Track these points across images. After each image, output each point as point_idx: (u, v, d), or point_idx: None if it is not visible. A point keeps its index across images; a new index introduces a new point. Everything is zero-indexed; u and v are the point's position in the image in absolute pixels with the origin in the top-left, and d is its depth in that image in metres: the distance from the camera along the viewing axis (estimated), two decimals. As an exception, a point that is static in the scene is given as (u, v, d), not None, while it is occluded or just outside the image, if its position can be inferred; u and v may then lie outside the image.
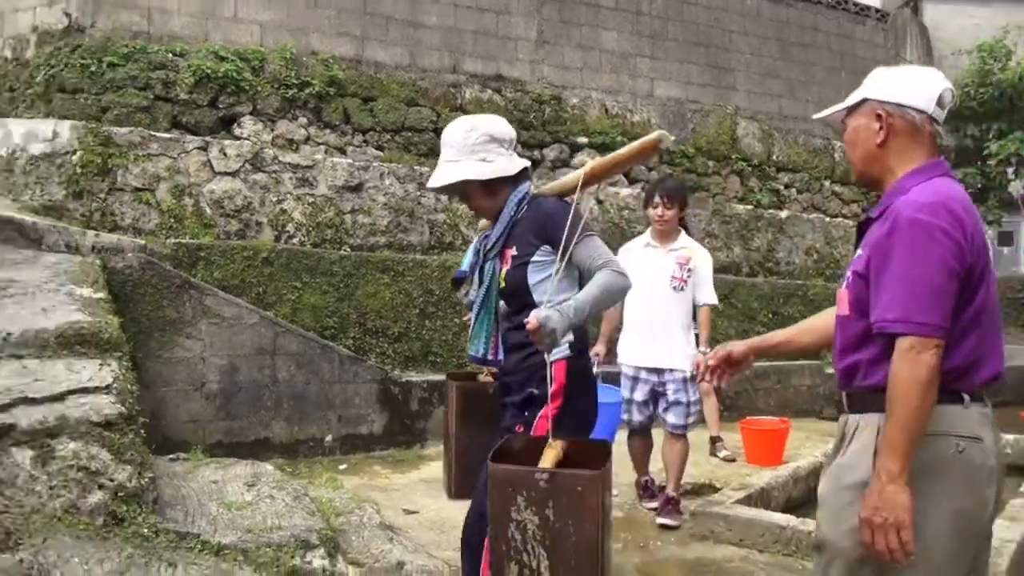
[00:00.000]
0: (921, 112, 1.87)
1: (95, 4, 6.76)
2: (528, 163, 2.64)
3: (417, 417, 6.29)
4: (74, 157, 5.93)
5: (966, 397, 1.78)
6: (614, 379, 4.84)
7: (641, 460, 4.75)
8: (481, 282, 2.62)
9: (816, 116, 2.20)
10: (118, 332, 3.96)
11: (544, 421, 2.46)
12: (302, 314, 6.30)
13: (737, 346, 2.23)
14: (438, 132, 7.89)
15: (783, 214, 9.51)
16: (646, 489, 4.79)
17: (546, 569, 2.10)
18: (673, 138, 2.47)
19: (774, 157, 10.14)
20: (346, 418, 6.05)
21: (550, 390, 2.41)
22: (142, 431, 3.43)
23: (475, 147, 2.51)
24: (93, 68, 6.56)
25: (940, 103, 1.88)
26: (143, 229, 6.12)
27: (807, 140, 10.52)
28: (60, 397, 3.23)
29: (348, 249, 6.78)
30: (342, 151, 7.37)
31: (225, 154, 6.52)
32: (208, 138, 6.60)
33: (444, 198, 7.29)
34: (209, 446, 5.42)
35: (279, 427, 5.81)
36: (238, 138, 6.89)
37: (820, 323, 2.21)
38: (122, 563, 2.79)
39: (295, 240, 6.66)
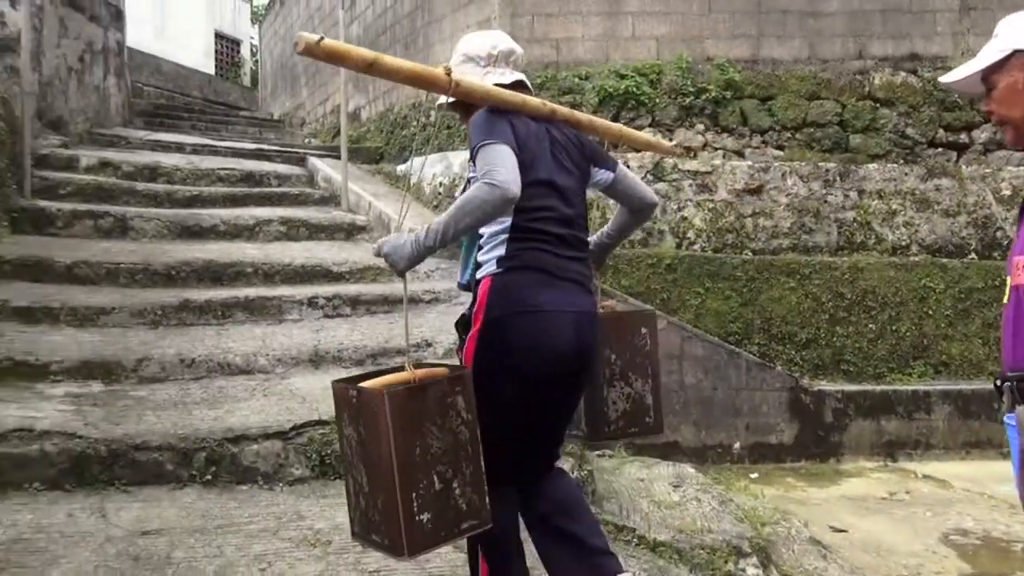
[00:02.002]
0: None
1: (513, 43, 7.54)
2: (519, 78, 2.31)
3: (832, 429, 5.89)
4: (501, 180, 6.65)
5: None
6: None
7: None
8: None
9: (945, 79, 1.88)
10: (550, 335, 4.33)
11: (470, 346, 2.15)
12: (705, 319, 6.30)
13: None
14: (843, 125, 7.37)
15: None
16: None
17: (366, 484, 2.06)
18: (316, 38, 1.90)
19: None
20: (754, 426, 5.89)
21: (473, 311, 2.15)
22: (575, 427, 3.69)
23: (455, 70, 2.26)
24: (512, 100, 7.32)
25: None
26: (558, 242, 6.63)
27: None
28: (510, 392, 3.61)
29: (750, 253, 6.62)
30: (740, 154, 7.23)
31: (628, 167, 6.78)
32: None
33: (854, 194, 6.77)
34: (623, 445, 5.66)
35: (687, 431, 5.86)
36: (638, 151, 7.14)
37: None
38: (570, 547, 2.99)
39: (696, 246, 6.69)
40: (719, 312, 6.31)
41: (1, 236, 5.09)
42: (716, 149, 7.29)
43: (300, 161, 8.39)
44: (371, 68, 2.15)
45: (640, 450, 5.47)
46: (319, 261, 5.36)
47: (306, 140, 11.55)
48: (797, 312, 6.32)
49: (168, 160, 7.37)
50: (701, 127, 7.27)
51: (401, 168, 7.79)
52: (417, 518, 1.96)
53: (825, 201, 6.78)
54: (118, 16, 9.52)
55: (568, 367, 2.16)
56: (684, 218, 6.74)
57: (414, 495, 1.96)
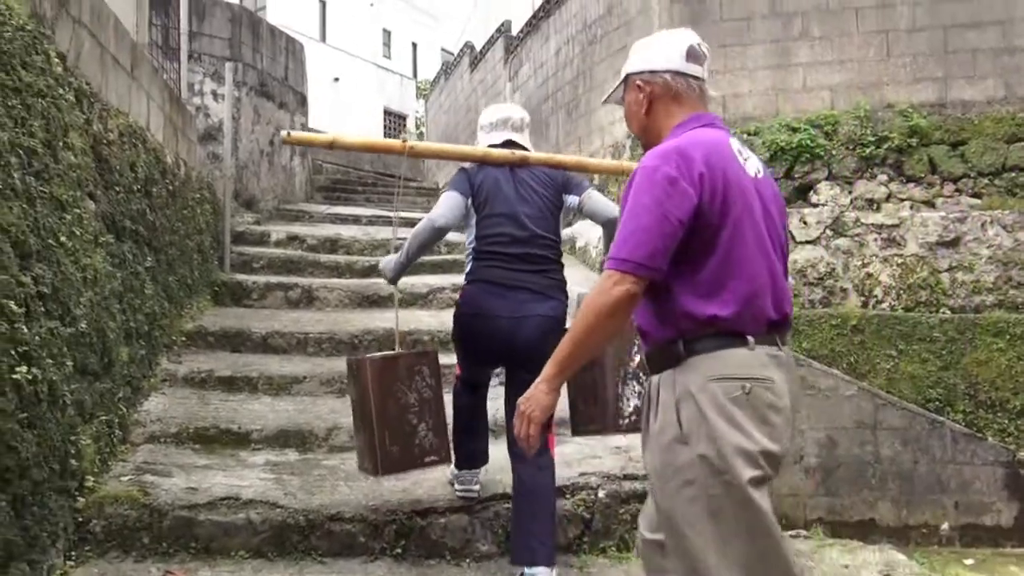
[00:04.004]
0: (671, 72, 1.91)
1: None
2: (507, 137, 3.03)
3: (1060, 511, 5.19)
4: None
5: (751, 340, 1.77)
6: None
7: None
8: None
9: (603, 101, 2.20)
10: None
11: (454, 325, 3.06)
12: (899, 384, 5.79)
13: None
14: (1053, 167, 6.68)
15: None
16: None
17: (361, 426, 2.92)
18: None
19: None
20: (964, 504, 5.29)
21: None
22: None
23: (478, 135, 3.16)
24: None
25: (691, 57, 1.92)
26: (731, 303, 6.37)
27: None
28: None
29: (948, 311, 6.06)
30: (930, 204, 6.70)
31: (805, 222, 6.48)
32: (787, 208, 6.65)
33: (1070, 244, 6.10)
34: (809, 522, 5.25)
35: (885, 509, 5.36)
36: (815, 205, 6.79)
37: None
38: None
39: (884, 305, 6.22)
40: (915, 377, 5.79)
41: (204, 309, 5.52)
42: (902, 200, 6.80)
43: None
44: (333, 146, 2.93)
45: (835, 530, 5.04)
46: (491, 327, 5.40)
47: (470, 207, 11.89)
48: (1009, 376, 5.69)
49: (347, 232, 7.80)
50: (884, 177, 6.83)
51: (567, 232, 7.83)
52: (388, 448, 2.77)
53: (1035, 252, 6.13)
54: (303, 102, 10.33)
55: (503, 355, 2.90)
56: (869, 275, 6.30)
57: (386, 433, 2.78)
